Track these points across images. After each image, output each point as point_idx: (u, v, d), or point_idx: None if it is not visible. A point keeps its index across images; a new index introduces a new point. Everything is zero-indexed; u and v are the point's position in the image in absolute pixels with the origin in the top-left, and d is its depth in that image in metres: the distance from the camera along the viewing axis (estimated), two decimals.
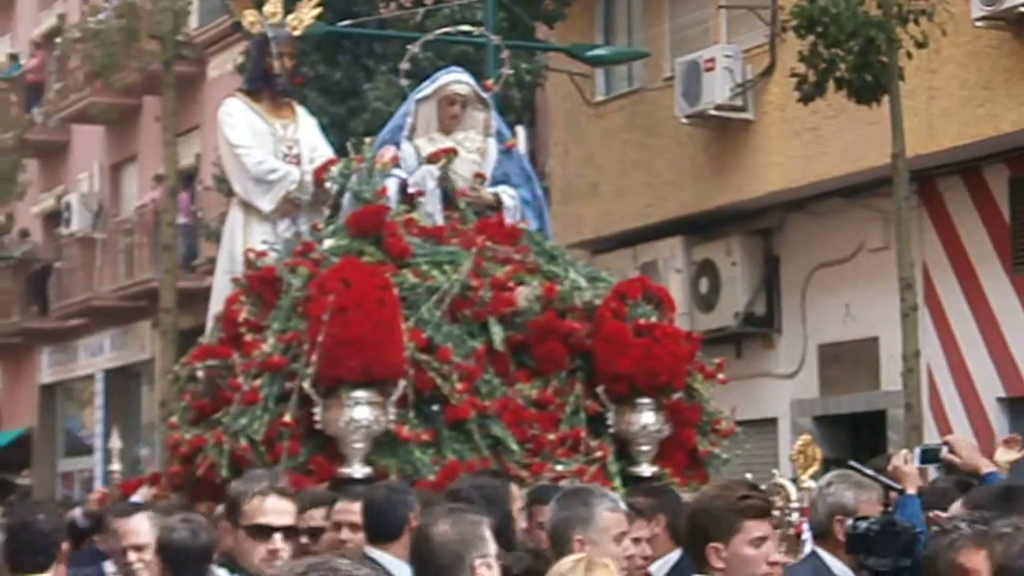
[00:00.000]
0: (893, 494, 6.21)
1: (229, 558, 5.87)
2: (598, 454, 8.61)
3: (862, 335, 16.73)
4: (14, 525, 6.06)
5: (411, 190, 9.31)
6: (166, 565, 6.12)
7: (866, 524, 5.76)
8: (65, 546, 6.20)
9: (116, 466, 11.97)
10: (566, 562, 4.90)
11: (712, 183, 18.00)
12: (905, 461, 6.22)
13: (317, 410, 8.20)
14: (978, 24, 14.63)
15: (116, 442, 12.87)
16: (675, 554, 6.58)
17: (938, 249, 16.13)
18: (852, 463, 7.12)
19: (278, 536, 5.55)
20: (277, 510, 5.61)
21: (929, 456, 6.46)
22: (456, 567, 4.70)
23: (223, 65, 24.20)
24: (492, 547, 4.80)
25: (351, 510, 6.72)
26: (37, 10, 33.71)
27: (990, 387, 15.65)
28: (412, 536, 5.20)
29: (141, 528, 6.81)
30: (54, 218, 32.16)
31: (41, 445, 33.42)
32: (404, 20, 17.20)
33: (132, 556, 6.82)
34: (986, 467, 5.82)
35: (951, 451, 5.90)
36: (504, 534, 5.69)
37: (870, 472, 6.69)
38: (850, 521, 5.90)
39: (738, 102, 17.48)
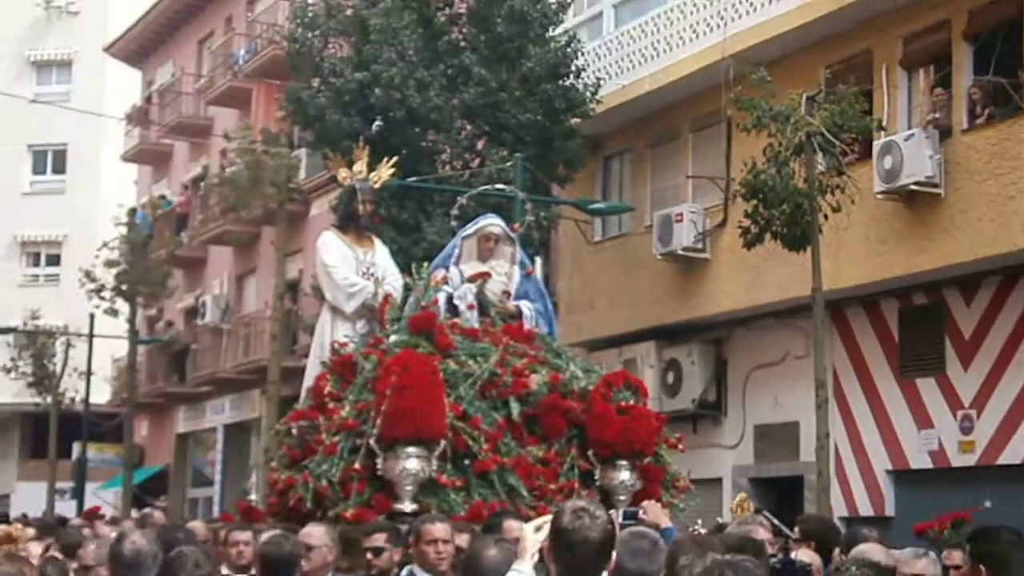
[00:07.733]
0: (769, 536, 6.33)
1: None
2: None
3: (787, 419, 16.63)
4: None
5: (455, 302, 9.32)
6: (263, 569, 6.05)
7: (772, 561, 5.84)
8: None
9: (254, 496, 11.89)
10: None
11: (679, 304, 18.01)
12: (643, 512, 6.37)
13: (379, 461, 8.14)
14: (879, 196, 14.69)
15: (252, 482, 12.82)
16: None
17: (844, 358, 16.08)
18: (764, 512, 7.17)
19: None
20: None
21: (628, 515, 6.40)
22: None
23: (322, 206, 24.30)
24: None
25: (379, 539, 6.85)
26: (188, 160, 34.02)
27: (881, 461, 15.53)
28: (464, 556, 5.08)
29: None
30: (193, 312, 32.21)
31: (175, 478, 33.20)
32: (455, 177, 17.43)
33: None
34: (664, 524, 6.04)
35: (644, 512, 6.23)
36: None
37: (776, 521, 6.76)
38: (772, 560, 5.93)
39: (699, 245, 17.51)
